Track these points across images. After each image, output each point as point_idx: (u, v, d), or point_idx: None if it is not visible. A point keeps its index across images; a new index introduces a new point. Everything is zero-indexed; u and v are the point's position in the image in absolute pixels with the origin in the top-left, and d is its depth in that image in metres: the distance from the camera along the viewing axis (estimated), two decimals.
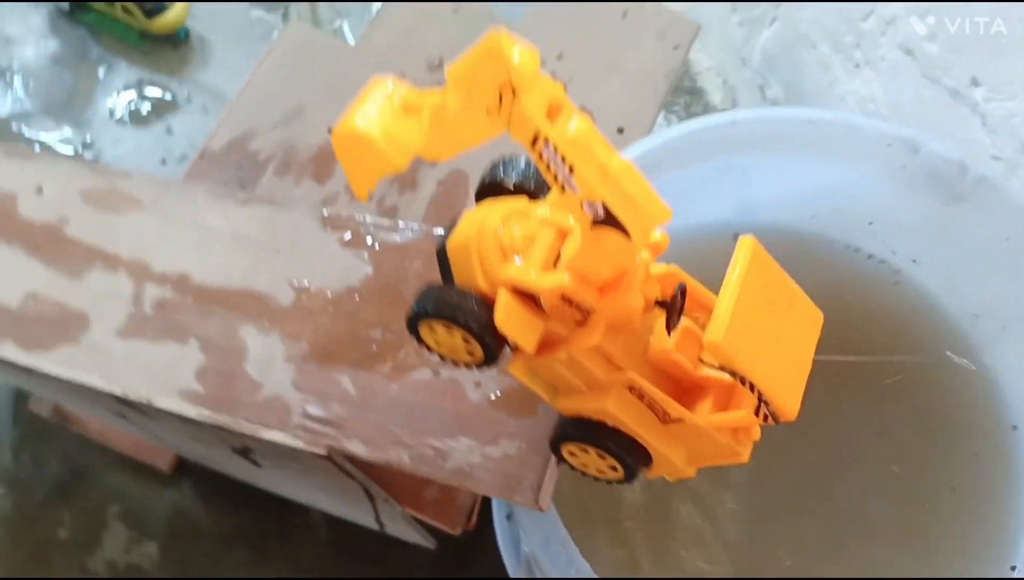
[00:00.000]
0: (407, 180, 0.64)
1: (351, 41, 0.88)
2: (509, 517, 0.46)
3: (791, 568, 0.49)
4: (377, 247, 0.43)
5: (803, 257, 0.54)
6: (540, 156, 0.25)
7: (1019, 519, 0.47)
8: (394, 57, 0.69)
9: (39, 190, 0.48)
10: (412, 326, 0.31)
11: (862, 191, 0.51)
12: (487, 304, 0.29)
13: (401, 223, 0.44)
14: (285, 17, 0.90)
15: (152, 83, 0.83)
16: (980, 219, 0.48)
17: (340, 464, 0.40)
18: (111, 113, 0.81)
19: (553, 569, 0.38)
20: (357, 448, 0.38)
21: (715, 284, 0.28)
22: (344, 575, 0.60)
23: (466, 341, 0.30)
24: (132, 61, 0.84)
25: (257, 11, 0.89)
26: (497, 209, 0.31)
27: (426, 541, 0.54)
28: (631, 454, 0.32)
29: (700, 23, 0.68)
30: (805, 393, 0.28)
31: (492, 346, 0.30)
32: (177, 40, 0.85)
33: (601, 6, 0.69)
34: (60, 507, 0.63)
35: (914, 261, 0.52)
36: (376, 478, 0.44)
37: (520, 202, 0.31)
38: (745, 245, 0.28)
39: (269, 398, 0.40)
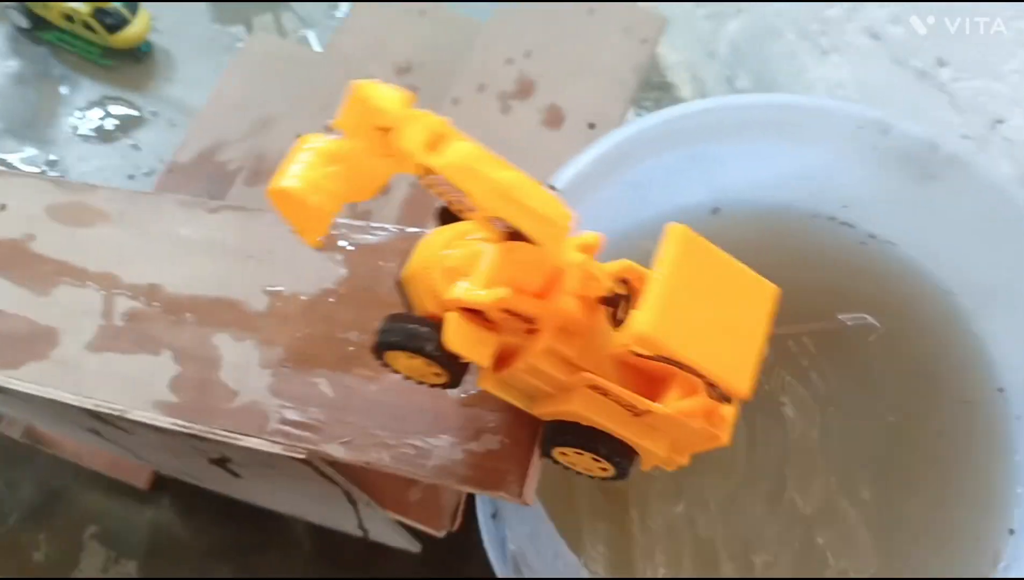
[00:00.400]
0: None
1: (318, 50, 0.87)
2: (494, 516, 0.45)
3: (789, 514, 0.49)
4: (352, 249, 0.43)
5: (780, 234, 0.54)
6: (431, 185, 0.27)
7: (1008, 476, 0.48)
8: (362, 62, 0.69)
9: (2, 207, 0.47)
10: (378, 356, 0.33)
11: (836, 174, 0.51)
12: (440, 328, 0.30)
13: (375, 224, 0.43)
14: (249, 28, 0.89)
15: (116, 99, 0.82)
16: (954, 197, 0.48)
17: (320, 468, 0.39)
18: (75, 130, 0.80)
19: (541, 564, 0.37)
20: (337, 451, 0.37)
21: None
22: None
23: (428, 365, 0.32)
24: (95, 77, 0.83)
25: (220, 23, 0.88)
26: (443, 234, 0.33)
27: (411, 545, 0.53)
28: (615, 451, 0.32)
29: (666, 17, 0.68)
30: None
31: (452, 367, 0.31)
32: (140, 54, 0.84)
33: (567, 4, 0.68)
34: (35, 530, 0.61)
35: (892, 242, 0.53)
36: (358, 481, 0.44)
37: (465, 224, 0.32)
38: (673, 232, 0.28)
39: (246, 405, 0.39)
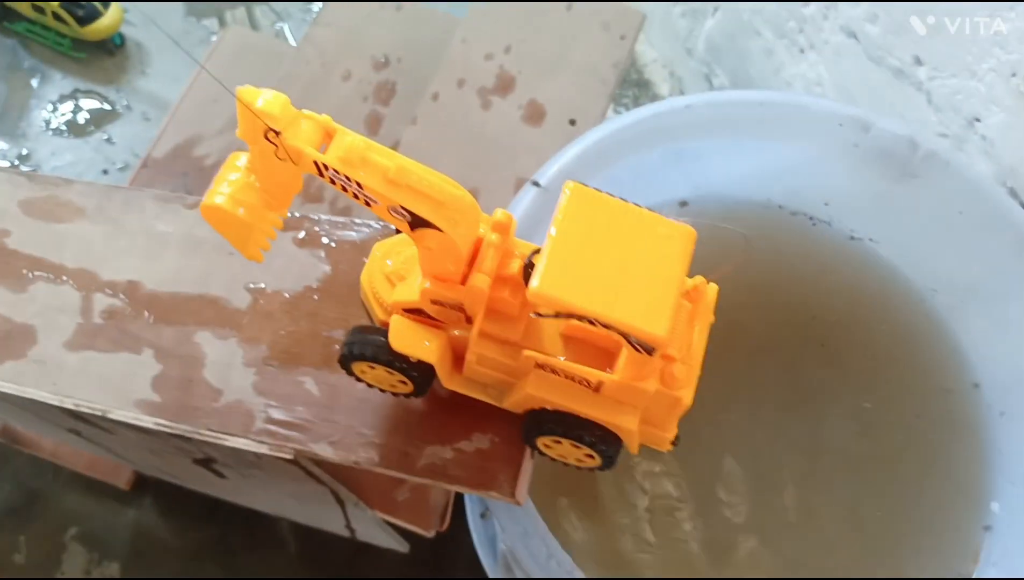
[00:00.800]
0: None
1: (293, 43, 0.86)
2: (484, 515, 0.45)
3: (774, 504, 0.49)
4: (334, 245, 0.42)
5: (758, 230, 0.54)
6: (332, 181, 0.28)
7: (985, 467, 0.48)
8: (338, 56, 0.68)
9: None
10: (347, 369, 0.34)
11: (816, 171, 0.51)
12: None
13: (357, 220, 0.43)
14: (222, 22, 0.88)
15: (89, 92, 0.81)
16: (933, 194, 0.49)
17: (307, 468, 0.39)
18: (47, 124, 0.79)
19: (533, 564, 0.37)
20: (324, 451, 0.37)
21: None
22: None
23: (390, 374, 0.33)
24: (67, 70, 0.82)
25: (194, 16, 0.87)
26: (385, 245, 0.35)
27: (399, 545, 0.53)
28: (594, 435, 0.32)
29: (644, 14, 0.68)
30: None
31: (412, 374, 0.33)
32: (112, 47, 0.83)
33: (546, 1, 0.68)
34: (15, 531, 0.60)
35: (871, 240, 0.53)
36: (345, 481, 0.43)
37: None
38: (567, 190, 0.28)
39: (230, 404, 0.39)
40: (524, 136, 0.59)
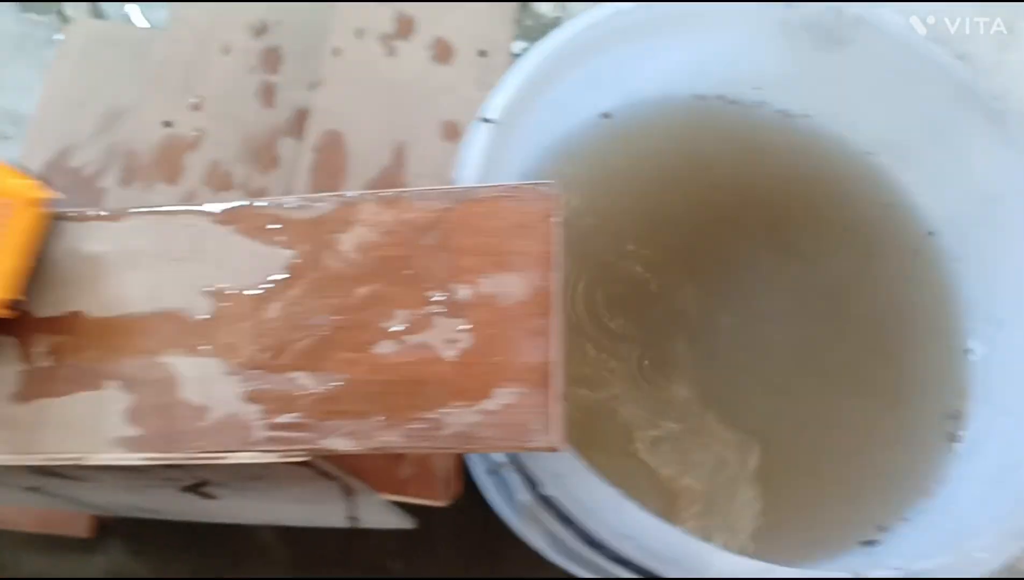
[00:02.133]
0: (265, 159, 0.60)
1: (144, 25, 0.79)
2: (495, 471, 0.43)
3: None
4: (291, 229, 0.39)
5: (695, 125, 0.54)
6: None
7: (953, 321, 0.50)
8: (214, 29, 0.63)
9: None
10: None
11: (746, 57, 0.50)
12: None
13: (312, 196, 0.39)
14: (62, 17, 0.80)
15: None
16: (863, 60, 0.49)
17: (320, 467, 0.36)
18: None
19: (575, 504, 0.36)
20: (340, 444, 0.34)
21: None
22: None
23: None
24: None
25: (31, 15, 0.78)
26: None
27: (405, 522, 0.50)
28: None
29: None
30: None
31: None
32: None
33: None
34: None
35: (808, 115, 0.53)
36: (350, 472, 0.41)
37: None
38: None
39: (221, 419, 0.35)
40: (437, 76, 0.56)
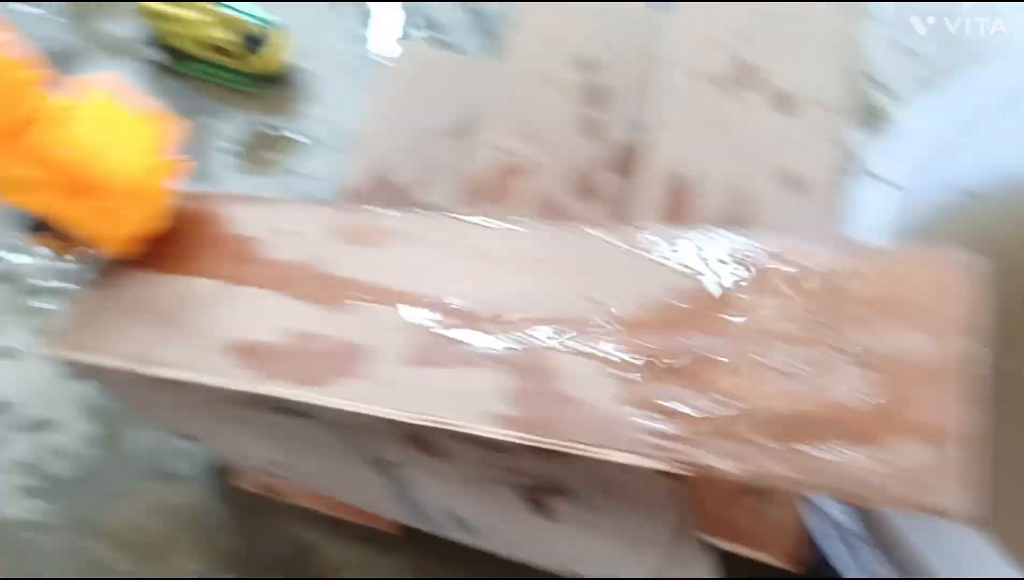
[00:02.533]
0: (585, 189, 0.61)
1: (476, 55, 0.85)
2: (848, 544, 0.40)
3: None
4: (685, 249, 0.39)
5: None
6: None
7: None
8: (540, 63, 0.65)
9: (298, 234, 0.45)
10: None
11: None
12: None
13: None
14: (393, 43, 0.87)
15: (266, 125, 0.80)
16: None
17: (677, 495, 0.35)
18: (229, 162, 0.79)
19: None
20: (721, 464, 0.33)
21: None
22: None
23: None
24: (242, 106, 0.81)
25: (360, 42, 0.86)
26: None
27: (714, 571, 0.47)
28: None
29: None
30: None
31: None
32: (283, 78, 0.83)
33: None
34: None
35: None
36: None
37: None
38: None
39: (595, 416, 0.35)
40: (777, 124, 0.55)
